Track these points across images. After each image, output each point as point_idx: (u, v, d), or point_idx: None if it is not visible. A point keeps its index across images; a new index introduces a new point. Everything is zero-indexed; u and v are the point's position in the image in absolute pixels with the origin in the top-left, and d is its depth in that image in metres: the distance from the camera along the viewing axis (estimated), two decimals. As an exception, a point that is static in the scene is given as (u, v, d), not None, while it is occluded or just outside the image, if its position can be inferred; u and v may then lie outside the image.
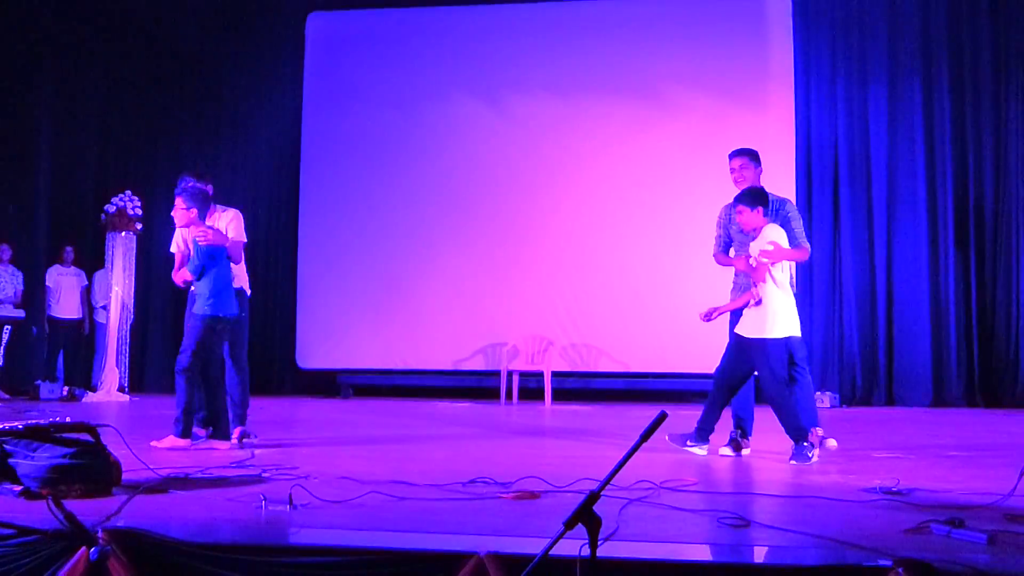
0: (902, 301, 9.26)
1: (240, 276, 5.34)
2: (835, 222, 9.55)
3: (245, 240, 5.32)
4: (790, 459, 4.52)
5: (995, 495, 3.41)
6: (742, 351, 4.71)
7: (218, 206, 5.34)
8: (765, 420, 5.08)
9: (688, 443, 4.88)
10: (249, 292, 5.51)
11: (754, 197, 4.73)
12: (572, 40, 10.03)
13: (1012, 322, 8.98)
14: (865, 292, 9.41)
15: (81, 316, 9.92)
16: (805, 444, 4.52)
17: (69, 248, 9.92)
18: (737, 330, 4.76)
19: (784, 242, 4.68)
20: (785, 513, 3.28)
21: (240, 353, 5.25)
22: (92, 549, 2.55)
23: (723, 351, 4.85)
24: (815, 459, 4.51)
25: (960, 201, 9.26)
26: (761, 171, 5.15)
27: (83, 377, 9.93)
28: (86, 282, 9.99)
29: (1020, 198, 9.12)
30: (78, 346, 10.01)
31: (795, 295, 4.87)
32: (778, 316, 4.61)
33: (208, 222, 5.10)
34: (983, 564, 2.36)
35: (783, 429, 4.63)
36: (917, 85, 9.37)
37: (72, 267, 9.91)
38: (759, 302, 4.66)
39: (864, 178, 9.50)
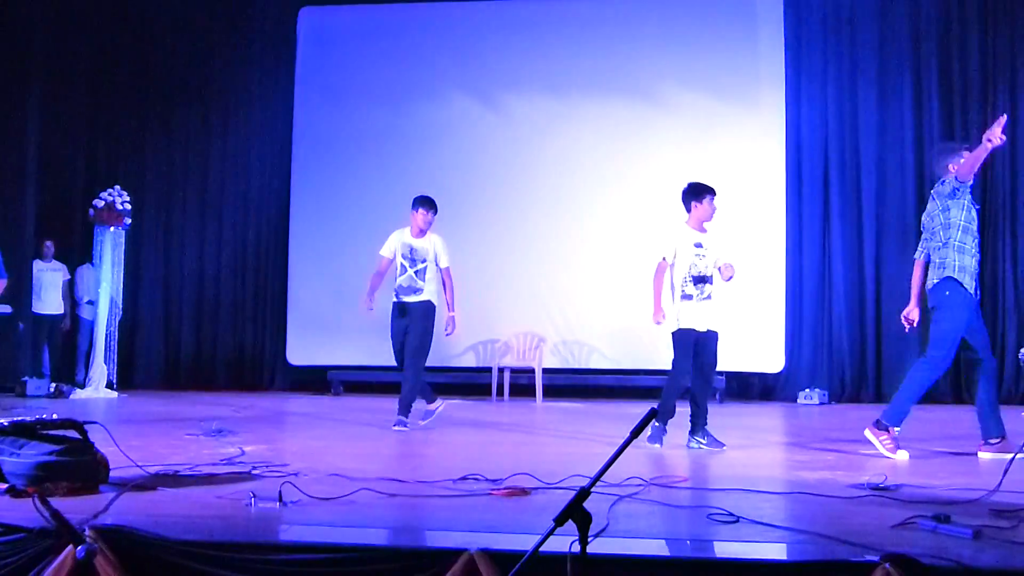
0: (890, 298, 9.27)
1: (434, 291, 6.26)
2: (825, 220, 9.57)
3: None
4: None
5: (981, 490, 3.44)
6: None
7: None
8: (770, 416, 5.10)
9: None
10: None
11: None
12: (565, 38, 10.00)
13: (997, 320, 9.01)
14: (854, 290, 9.44)
15: (63, 311, 9.84)
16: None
17: (49, 243, 9.81)
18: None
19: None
20: (774, 509, 3.29)
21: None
22: (79, 547, 2.53)
23: None
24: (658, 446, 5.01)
25: (948, 199, 9.28)
26: None
27: (68, 373, 9.86)
28: (68, 276, 9.89)
29: (1006, 197, 9.17)
30: (63, 342, 9.93)
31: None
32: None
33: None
34: (969, 559, 2.38)
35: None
36: (907, 84, 9.39)
37: (54, 261, 9.81)
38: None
39: (854, 177, 9.52)
